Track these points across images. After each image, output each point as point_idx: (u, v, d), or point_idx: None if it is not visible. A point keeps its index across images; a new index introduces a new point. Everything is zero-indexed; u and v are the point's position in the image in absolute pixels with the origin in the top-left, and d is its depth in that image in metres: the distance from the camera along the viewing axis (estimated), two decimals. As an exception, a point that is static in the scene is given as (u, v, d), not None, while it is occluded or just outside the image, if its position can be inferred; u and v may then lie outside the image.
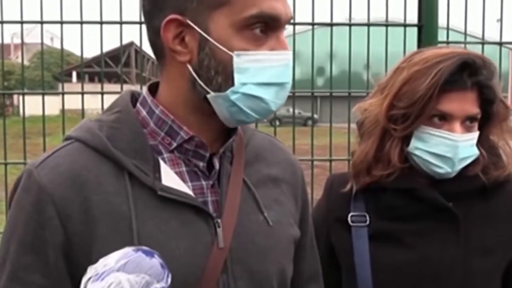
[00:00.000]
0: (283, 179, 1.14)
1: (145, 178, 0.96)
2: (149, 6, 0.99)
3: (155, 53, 1.03)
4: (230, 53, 0.93)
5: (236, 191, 1.03)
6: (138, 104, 1.04)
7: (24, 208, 0.95)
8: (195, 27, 0.94)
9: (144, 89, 1.06)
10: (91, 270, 0.86)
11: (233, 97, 0.95)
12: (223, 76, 0.95)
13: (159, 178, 0.97)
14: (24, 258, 0.94)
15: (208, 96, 0.97)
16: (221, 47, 0.93)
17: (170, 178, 0.98)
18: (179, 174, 1.00)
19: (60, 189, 0.94)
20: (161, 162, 0.99)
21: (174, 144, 1.01)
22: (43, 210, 0.94)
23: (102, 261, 0.86)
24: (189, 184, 1.01)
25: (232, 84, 0.94)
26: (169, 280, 0.88)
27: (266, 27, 0.95)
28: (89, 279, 0.85)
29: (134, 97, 1.07)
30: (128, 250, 0.87)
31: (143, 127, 1.01)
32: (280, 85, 0.97)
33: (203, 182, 1.02)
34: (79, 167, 0.96)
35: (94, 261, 0.91)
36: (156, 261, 0.87)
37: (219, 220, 1.00)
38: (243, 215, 1.02)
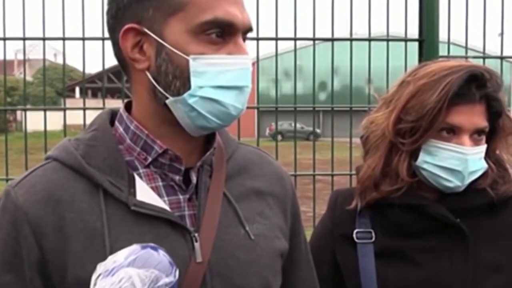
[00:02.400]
0: (269, 192, 1.13)
1: (119, 194, 0.97)
2: (111, 21, 1.00)
3: (123, 69, 1.04)
4: (186, 57, 0.94)
5: (215, 204, 1.02)
6: (116, 122, 1.05)
7: (2, 227, 0.98)
8: (151, 34, 0.96)
9: (121, 106, 1.07)
10: (101, 267, 0.87)
11: (191, 101, 0.95)
12: (181, 81, 0.95)
13: (133, 194, 0.97)
14: (4, 276, 0.96)
15: (167, 101, 0.97)
16: (176, 51, 0.94)
17: (145, 193, 0.98)
18: (155, 189, 1.00)
19: (35, 208, 0.96)
20: (137, 178, 1.00)
21: (150, 159, 1.01)
22: (20, 228, 0.95)
23: (111, 258, 0.88)
24: (166, 198, 1.00)
25: (190, 88, 0.95)
26: (177, 274, 0.89)
27: (223, 33, 0.96)
28: (99, 275, 0.86)
29: (115, 115, 1.07)
30: (136, 247, 0.89)
31: (120, 144, 1.02)
32: (239, 88, 0.97)
33: (180, 196, 1.02)
34: (54, 186, 0.98)
35: (69, 278, 0.93)
36: (163, 256, 0.89)
37: (196, 234, 0.99)
38: (222, 229, 1.01)
